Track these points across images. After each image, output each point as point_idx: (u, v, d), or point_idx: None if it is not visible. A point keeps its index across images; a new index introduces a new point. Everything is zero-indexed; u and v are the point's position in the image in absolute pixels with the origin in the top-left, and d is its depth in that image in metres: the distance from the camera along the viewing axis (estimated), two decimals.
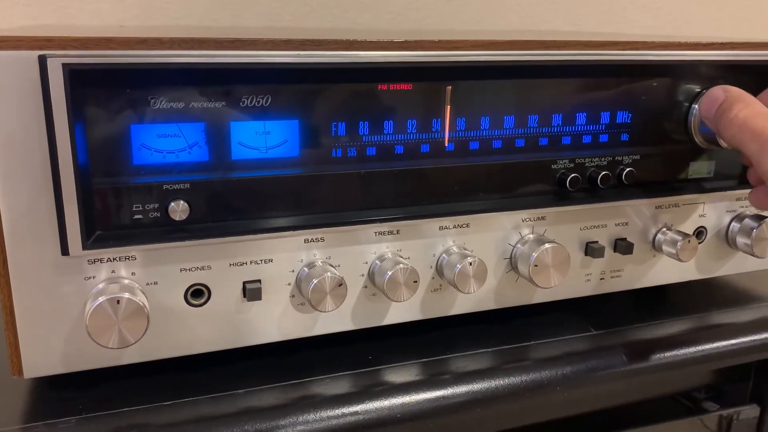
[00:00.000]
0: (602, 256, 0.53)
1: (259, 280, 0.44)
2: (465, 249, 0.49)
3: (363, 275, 0.47)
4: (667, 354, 0.52)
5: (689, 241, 0.54)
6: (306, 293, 0.44)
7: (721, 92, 0.49)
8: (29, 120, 0.37)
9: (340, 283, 0.44)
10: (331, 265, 0.46)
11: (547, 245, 0.49)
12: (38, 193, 0.38)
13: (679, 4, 1.09)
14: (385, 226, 0.47)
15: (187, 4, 0.86)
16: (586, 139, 0.51)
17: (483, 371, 0.47)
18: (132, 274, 0.41)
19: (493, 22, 1.00)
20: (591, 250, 0.53)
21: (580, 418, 0.53)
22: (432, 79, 0.46)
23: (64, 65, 0.36)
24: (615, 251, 0.54)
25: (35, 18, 0.81)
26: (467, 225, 0.49)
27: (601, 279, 0.55)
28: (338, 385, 0.45)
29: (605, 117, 0.52)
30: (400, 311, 0.49)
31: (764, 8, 1.15)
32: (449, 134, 0.47)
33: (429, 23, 0.97)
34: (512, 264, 0.51)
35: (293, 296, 0.46)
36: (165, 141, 0.41)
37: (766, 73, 0.54)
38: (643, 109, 0.52)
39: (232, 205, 0.43)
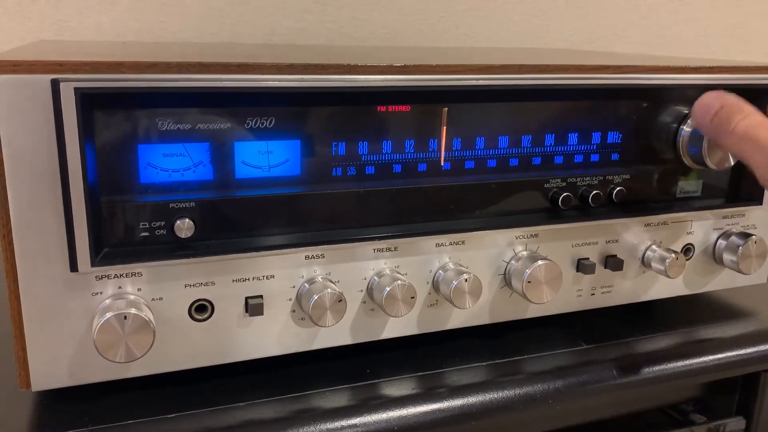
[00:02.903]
0: (593, 272, 0.55)
1: (261, 296, 0.46)
2: (461, 265, 0.50)
3: (362, 291, 0.48)
4: (656, 368, 0.54)
5: (677, 258, 0.55)
6: (306, 308, 0.45)
7: (714, 100, 0.47)
8: (41, 140, 0.38)
9: (340, 299, 0.45)
10: (331, 281, 0.47)
11: (539, 262, 0.51)
12: (48, 211, 0.39)
13: (669, 21, 1.12)
14: (383, 243, 0.48)
15: (185, 20, 0.87)
16: (578, 158, 0.53)
17: (477, 385, 0.48)
18: (138, 290, 0.43)
19: (486, 38, 1.02)
20: (582, 266, 0.55)
21: (571, 431, 0.55)
22: (429, 101, 0.47)
23: (76, 89, 0.37)
24: (605, 268, 0.56)
25: (35, 31, 0.83)
26: (463, 242, 0.50)
27: (592, 294, 0.57)
28: (337, 398, 0.46)
29: (596, 137, 0.53)
30: (398, 326, 0.50)
31: (750, 26, 1.17)
32: (445, 154, 0.49)
33: (423, 40, 0.98)
34: (506, 280, 0.53)
35: (294, 311, 0.47)
36: (171, 160, 0.42)
37: (752, 96, 0.56)
38: (633, 129, 0.54)
39: (236, 222, 0.44)
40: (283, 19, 0.91)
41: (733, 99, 0.47)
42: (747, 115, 0.45)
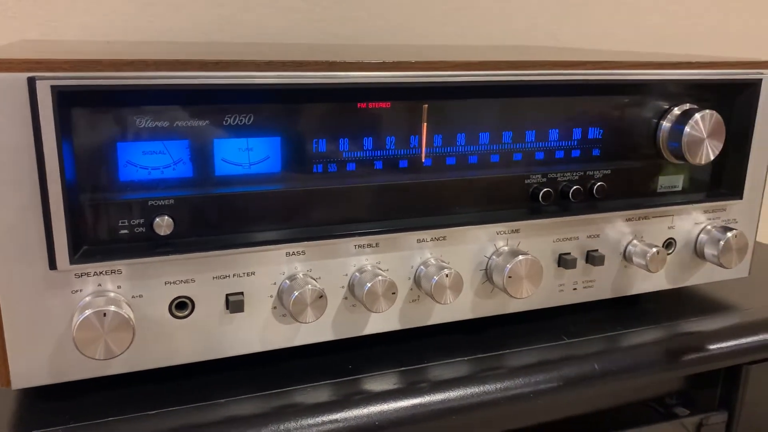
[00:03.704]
0: (575, 267, 0.55)
1: (242, 293, 0.46)
2: (442, 261, 0.51)
3: (343, 287, 0.49)
4: (639, 361, 0.54)
5: (658, 252, 0.56)
6: (287, 305, 0.45)
7: None
8: (18, 138, 0.38)
9: (321, 295, 0.46)
10: (312, 278, 0.47)
11: (520, 257, 0.51)
12: (27, 209, 0.39)
13: (657, 18, 1.12)
14: (364, 240, 0.48)
15: (171, 19, 0.87)
16: (559, 154, 0.53)
17: (459, 379, 0.49)
18: (118, 287, 0.43)
19: (474, 37, 1.02)
20: (564, 261, 0.55)
21: (554, 425, 0.55)
22: (409, 98, 0.48)
23: (52, 87, 0.37)
24: (587, 262, 0.56)
25: (21, 30, 0.82)
26: (444, 238, 0.51)
27: (573, 289, 0.57)
28: (319, 393, 0.46)
29: (577, 133, 0.54)
30: (379, 322, 0.51)
31: (738, 23, 1.18)
32: (426, 150, 0.49)
33: (412, 38, 0.99)
34: (487, 275, 0.53)
35: (275, 308, 0.47)
36: (150, 158, 0.42)
37: (729, 91, 0.57)
38: (614, 125, 0.54)
39: (216, 219, 0.44)
40: (271, 18, 0.92)
41: None
42: None
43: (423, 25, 0.99)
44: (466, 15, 1.01)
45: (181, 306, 0.45)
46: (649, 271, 0.56)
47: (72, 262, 0.40)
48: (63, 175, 0.39)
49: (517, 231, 0.53)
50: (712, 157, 0.55)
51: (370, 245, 0.49)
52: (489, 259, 0.53)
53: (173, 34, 0.88)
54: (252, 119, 0.44)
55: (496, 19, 1.03)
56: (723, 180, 0.60)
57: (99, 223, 0.42)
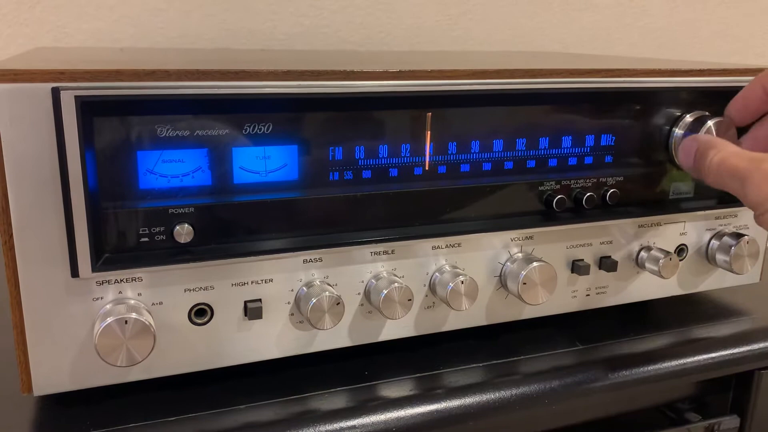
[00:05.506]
0: (588, 273, 0.56)
1: (260, 300, 0.46)
2: (457, 268, 0.51)
3: (359, 294, 0.49)
4: (651, 367, 0.54)
5: (671, 259, 0.56)
6: (305, 312, 0.46)
7: (691, 143, 0.50)
8: (42, 147, 0.39)
9: (338, 302, 0.46)
10: (329, 285, 0.47)
11: (535, 263, 0.51)
12: (50, 217, 0.40)
13: (663, 23, 1.13)
14: (380, 247, 0.49)
15: (182, 26, 0.88)
16: (572, 161, 0.54)
17: (474, 385, 0.49)
18: (138, 294, 0.43)
19: (481, 41, 1.03)
20: (577, 267, 0.55)
21: (568, 430, 0.55)
22: (425, 106, 0.48)
23: (76, 97, 0.38)
24: (600, 269, 0.57)
25: (33, 37, 0.83)
26: (459, 245, 0.51)
27: (587, 295, 0.57)
28: (335, 400, 0.47)
29: (590, 140, 0.54)
30: (395, 328, 0.51)
31: (743, 27, 1.18)
32: (441, 157, 0.50)
33: (419, 43, 0.99)
34: (502, 282, 0.53)
35: (292, 314, 0.47)
36: (170, 166, 0.43)
37: None
38: (626, 132, 0.55)
39: (234, 227, 0.45)
40: (280, 24, 0.92)
41: (705, 137, 0.50)
42: (719, 149, 0.47)
43: (430, 29, 0.99)
44: (473, 19, 1.01)
45: (200, 313, 0.45)
46: (661, 277, 0.56)
47: (94, 269, 0.41)
48: (86, 183, 0.39)
49: (530, 237, 0.53)
50: None
51: (385, 252, 0.49)
52: (503, 265, 0.53)
53: (183, 41, 0.88)
54: (270, 128, 0.45)
55: (502, 24, 1.03)
56: None
57: (120, 231, 0.42)
